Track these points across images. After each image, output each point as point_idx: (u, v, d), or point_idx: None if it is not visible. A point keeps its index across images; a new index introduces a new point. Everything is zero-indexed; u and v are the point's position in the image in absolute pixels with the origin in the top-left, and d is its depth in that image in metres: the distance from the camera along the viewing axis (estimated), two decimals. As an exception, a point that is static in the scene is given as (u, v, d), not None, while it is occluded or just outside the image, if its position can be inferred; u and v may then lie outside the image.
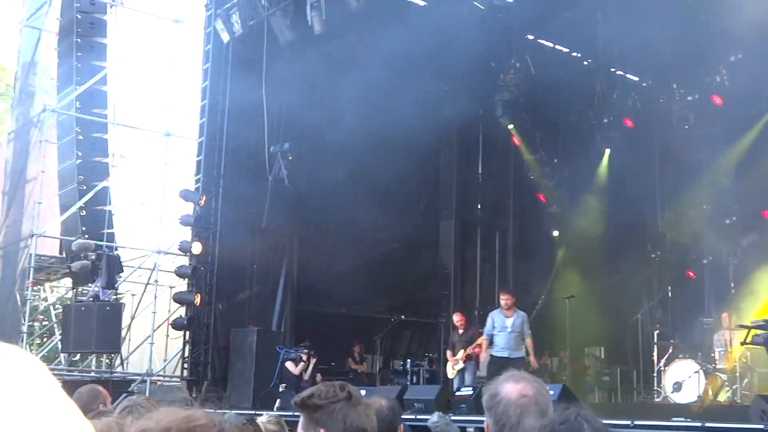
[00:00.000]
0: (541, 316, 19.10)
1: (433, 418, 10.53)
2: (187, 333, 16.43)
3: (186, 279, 16.65)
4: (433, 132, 19.19)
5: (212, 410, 1.60)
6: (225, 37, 16.79)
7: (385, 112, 16.18)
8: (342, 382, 2.97)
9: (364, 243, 17.21)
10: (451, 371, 15.09)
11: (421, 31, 15.78)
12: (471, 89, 19.17)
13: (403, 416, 11.44)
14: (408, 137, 17.28)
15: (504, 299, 13.64)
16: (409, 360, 17.76)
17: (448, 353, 15.24)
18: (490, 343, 13.71)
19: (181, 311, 16.88)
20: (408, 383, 16.21)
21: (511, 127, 19.86)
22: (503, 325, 13.51)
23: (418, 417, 11.43)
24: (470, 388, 13.00)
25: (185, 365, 16.33)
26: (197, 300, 15.95)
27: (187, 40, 19.72)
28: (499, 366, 13.29)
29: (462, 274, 19.68)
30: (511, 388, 2.93)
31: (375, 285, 17.82)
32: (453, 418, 10.89)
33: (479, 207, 20.31)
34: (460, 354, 14.86)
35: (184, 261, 16.98)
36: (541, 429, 2.42)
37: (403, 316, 17.69)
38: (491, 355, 13.65)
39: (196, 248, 16.22)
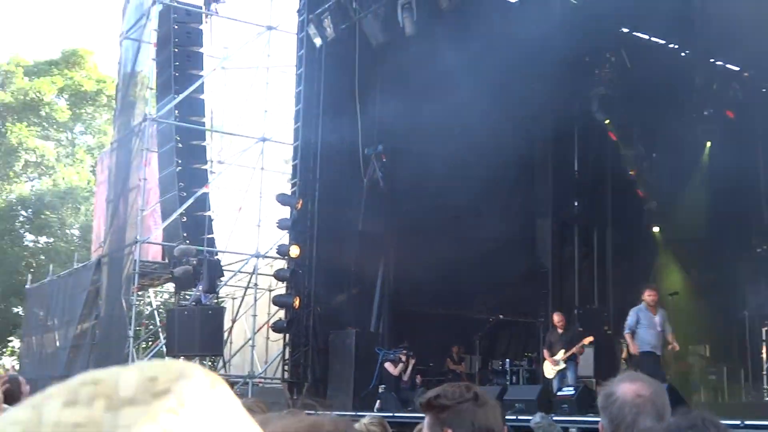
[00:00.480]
0: None
1: (536, 419, 10.41)
2: (287, 335, 16.62)
3: (285, 282, 16.83)
4: (528, 130, 19.00)
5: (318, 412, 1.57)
6: (317, 41, 16.94)
7: (478, 111, 16.10)
8: (468, 382, 2.95)
9: (460, 243, 17.10)
10: (549, 371, 14.89)
11: (513, 29, 15.65)
12: (565, 85, 18.89)
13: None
14: (502, 136, 17.16)
15: (650, 296, 13.23)
16: (508, 360, 17.58)
17: (545, 352, 15.05)
18: (632, 336, 13.27)
19: (281, 314, 17.05)
20: (507, 383, 16.13)
21: (607, 122, 19.52)
22: (650, 322, 13.10)
23: (519, 417, 11.33)
24: (572, 388, 12.91)
25: (286, 367, 16.50)
26: (296, 302, 16.12)
27: (280, 46, 20.00)
28: (651, 361, 13.05)
29: (560, 273, 19.40)
30: (626, 388, 2.86)
31: (472, 285, 17.72)
32: (554, 418, 10.69)
33: (576, 204, 19.97)
34: (560, 354, 14.63)
35: (283, 264, 17.12)
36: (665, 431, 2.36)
37: (501, 316, 17.52)
38: (640, 352, 13.25)
39: (294, 251, 16.38)
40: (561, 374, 14.69)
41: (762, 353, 16.17)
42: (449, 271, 17.01)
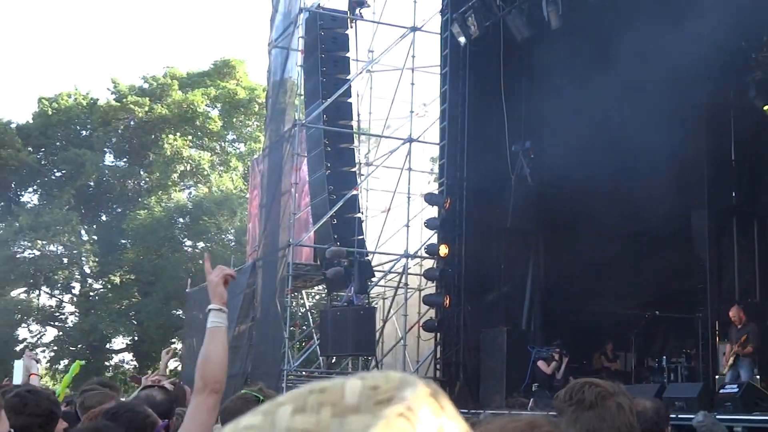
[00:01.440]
0: None
1: (699, 417, 10.17)
2: (438, 334, 16.73)
3: (434, 281, 16.95)
4: (680, 119, 18.41)
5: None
6: (462, 40, 17.04)
7: (627, 102, 15.80)
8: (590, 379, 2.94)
9: (611, 238, 16.78)
10: (724, 367, 14.67)
11: (662, 15, 15.22)
12: (720, 71, 18.21)
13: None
14: (652, 127, 16.72)
15: None
16: (664, 357, 17.19)
17: (728, 347, 14.73)
18: None
19: (431, 313, 17.20)
20: (665, 381, 15.77)
21: (766, 108, 18.65)
22: None
23: (680, 416, 11.08)
24: (735, 386, 12.58)
25: (437, 366, 16.63)
26: (446, 301, 16.23)
27: (424, 46, 20.21)
28: None
29: (718, 266, 18.66)
30: None
31: (625, 280, 17.37)
32: (718, 416, 10.52)
33: (734, 195, 19.19)
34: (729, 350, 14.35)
35: (432, 264, 17.29)
36: None
37: (657, 312, 17.05)
38: None
39: (443, 250, 16.52)
40: (733, 371, 14.36)
41: None
42: (601, 267, 16.81)
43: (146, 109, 36.87)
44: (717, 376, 15.26)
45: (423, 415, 0.74)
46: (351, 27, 20.01)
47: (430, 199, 17.27)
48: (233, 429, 0.75)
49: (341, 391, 0.76)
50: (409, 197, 18.67)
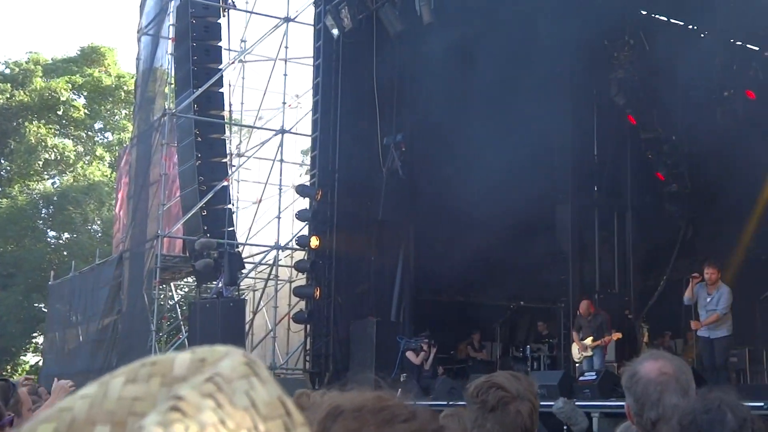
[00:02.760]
0: (664, 297, 18.81)
1: (558, 404, 10.54)
2: (308, 326, 16.78)
3: (305, 273, 16.98)
4: (547, 114, 19.00)
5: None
6: (335, 32, 17.09)
7: (497, 97, 16.18)
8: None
9: (480, 230, 17.07)
10: (577, 355, 15.02)
11: (532, 13, 15.63)
12: (584, 69, 18.91)
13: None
14: (521, 121, 17.20)
15: (707, 273, 12.71)
16: (528, 346, 17.70)
17: (574, 334, 15.17)
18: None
19: (302, 305, 17.23)
20: (528, 369, 16.22)
21: (626, 105, 19.48)
22: (704, 302, 12.70)
23: (542, 403, 11.41)
24: (593, 373, 12.98)
25: (307, 358, 16.67)
26: (317, 293, 16.29)
27: (298, 37, 20.17)
28: (701, 347, 12.94)
29: (580, 258, 19.42)
30: (650, 366, 2.90)
31: (492, 272, 17.76)
32: (577, 403, 10.87)
33: (596, 189, 19.94)
34: (589, 341, 14.77)
35: (303, 255, 17.33)
36: (683, 418, 2.39)
37: (521, 302, 17.57)
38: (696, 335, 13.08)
39: (314, 242, 16.56)
40: (588, 360, 14.81)
41: None
42: (469, 259, 17.06)
43: (7, 95, 35.52)
44: (577, 364, 15.63)
45: (232, 379, 0.79)
46: (223, 16, 19.78)
47: (301, 190, 17.28)
48: (71, 398, 0.80)
49: (171, 364, 0.82)
50: (280, 189, 18.63)
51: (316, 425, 1.34)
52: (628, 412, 2.95)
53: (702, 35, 19.20)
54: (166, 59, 19.68)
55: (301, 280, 17.60)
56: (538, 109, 17.68)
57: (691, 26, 19.23)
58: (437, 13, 15.63)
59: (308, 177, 18.02)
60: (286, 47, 19.54)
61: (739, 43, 19.34)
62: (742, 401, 2.35)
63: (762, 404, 9.08)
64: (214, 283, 16.88)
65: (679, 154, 19.91)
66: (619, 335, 14.80)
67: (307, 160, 18.24)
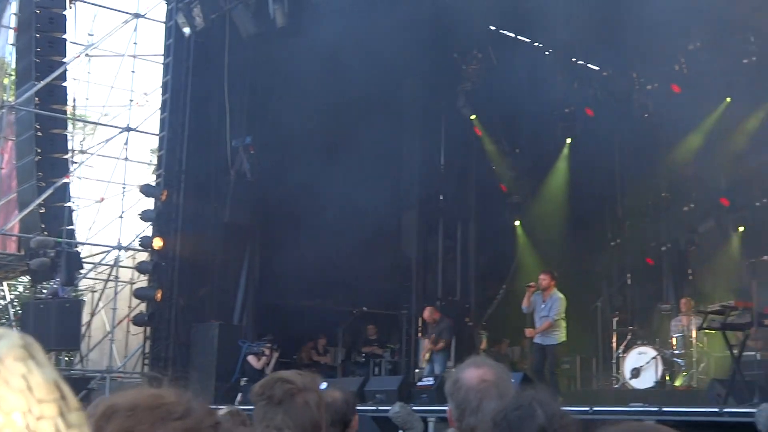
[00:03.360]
0: (503, 306, 19.26)
1: (395, 409, 10.66)
2: (148, 329, 16.44)
3: (147, 275, 16.66)
4: (396, 123, 19.28)
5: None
6: (186, 30, 16.81)
7: (347, 104, 16.30)
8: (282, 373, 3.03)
9: (326, 235, 17.16)
10: (423, 361, 15.50)
11: (382, 22, 15.77)
12: (433, 80, 19.28)
13: (364, 407, 11.65)
14: (370, 128, 17.35)
15: (540, 279, 13.11)
16: (365, 352, 18.01)
17: (425, 342, 15.58)
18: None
19: (142, 307, 16.86)
20: (370, 374, 16.40)
21: (473, 117, 19.99)
22: (538, 308, 13.01)
23: (380, 408, 11.49)
24: (431, 379, 13.17)
25: (146, 361, 16.33)
26: (158, 295, 15.97)
27: (148, 34, 19.73)
28: (534, 354, 13.12)
29: (424, 265, 19.75)
30: (471, 373, 2.97)
31: (337, 277, 17.82)
32: (414, 408, 11.00)
33: (441, 197, 20.30)
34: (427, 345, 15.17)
35: (146, 257, 16.96)
36: (495, 415, 2.42)
37: (365, 308, 17.64)
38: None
39: (158, 243, 16.23)
40: (430, 364, 15.15)
41: (612, 342, 16.95)
42: (315, 264, 17.13)
43: None
44: (417, 370, 16.14)
45: (7, 362, 0.81)
46: (70, 8, 19.04)
47: (146, 190, 16.91)
48: None
49: None
50: (124, 188, 18.13)
51: (92, 425, 1.33)
52: (450, 417, 3.04)
53: (546, 53, 19.79)
54: (7, 49, 18.86)
55: (142, 281, 17.18)
56: (387, 117, 17.91)
57: (536, 44, 19.81)
58: (291, 17, 15.56)
59: (154, 177, 17.52)
60: (135, 43, 19.07)
61: (581, 62, 20.08)
62: (555, 400, 2.44)
63: (587, 409, 9.44)
64: (50, 282, 16.21)
65: (522, 166, 20.51)
66: (441, 345, 15.12)
67: (155, 159, 17.76)
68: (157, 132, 17.84)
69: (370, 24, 15.61)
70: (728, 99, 18.52)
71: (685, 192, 19.86)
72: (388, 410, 10.80)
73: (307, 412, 2.85)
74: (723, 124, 18.66)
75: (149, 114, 18.93)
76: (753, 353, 10.24)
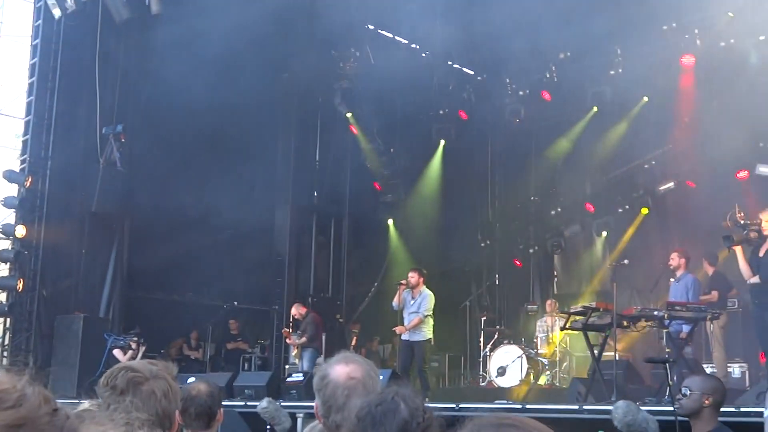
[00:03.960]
0: (375, 304, 19.42)
1: (263, 404, 10.65)
2: (8, 320, 15.89)
3: (8, 264, 16.07)
4: (272, 118, 19.18)
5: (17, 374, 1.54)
6: (56, 12, 16.19)
7: (222, 97, 16.02)
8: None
9: (198, 229, 16.99)
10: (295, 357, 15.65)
11: (261, 17, 15.60)
12: (311, 77, 19.21)
13: (233, 403, 11.56)
14: (246, 123, 17.20)
15: (409, 277, 13.17)
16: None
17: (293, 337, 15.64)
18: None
19: (2, 297, 16.28)
20: (239, 370, 16.28)
21: (349, 115, 20.04)
22: (408, 305, 13.07)
23: (248, 403, 11.51)
24: (301, 375, 13.25)
25: (5, 353, 15.73)
26: (20, 285, 15.42)
27: (15, 14, 18.96)
28: (402, 351, 13.17)
29: (297, 262, 19.67)
30: (340, 370, 2.98)
31: (208, 271, 17.66)
32: (283, 404, 11.06)
33: (315, 194, 20.31)
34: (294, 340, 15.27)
35: (7, 245, 16.30)
36: (359, 411, 2.43)
37: (235, 303, 17.50)
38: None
39: (20, 231, 15.67)
40: (300, 360, 15.42)
41: (480, 341, 17.34)
42: (185, 257, 16.90)
43: None
44: (287, 366, 16.25)
45: None
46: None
47: (9, 176, 16.22)
48: None
49: None
50: (-14, 173, 17.31)
51: None
52: (317, 412, 3.03)
53: (423, 54, 19.99)
54: None
55: (3, 271, 16.59)
56: (262, 112, 17.75)
57: (414, 45, 19.96)
58: (166, 5, 15.23)
59: (19, 162, 16.82)
60: (1, 23, 18.33)
61: (457, 66, 20.40)
62: (418, 395, 2.45)
63: (454, 406, 9.64)
64: None
65: (396, 166, 20.73)
66: (304, 340, 15.34)
67: (19, 144, 17.07)
68: (23, 116, 17.11)
69: (248, 17, 15.42)
70: (595, 108, 19.03)
71: (553, 197, 20.43)
72: (256, 406, 10.78)
73: (154, 401, 2.80)
74: (590, 132, 19.25)
75: (15, 97, 18.18)
76: (612, 353, 10.67)
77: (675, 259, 12.11)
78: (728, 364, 12.84)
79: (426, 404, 2.44)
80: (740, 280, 11.22)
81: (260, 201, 18.43)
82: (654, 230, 18.40)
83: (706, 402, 5.33)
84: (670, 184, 18.10)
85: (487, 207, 21.56)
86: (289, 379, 13.28)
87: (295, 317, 15.88)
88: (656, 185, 18.39)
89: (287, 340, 16.21)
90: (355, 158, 20.59)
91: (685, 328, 11.03)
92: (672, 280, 12.23)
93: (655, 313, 10.45)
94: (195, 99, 15.63)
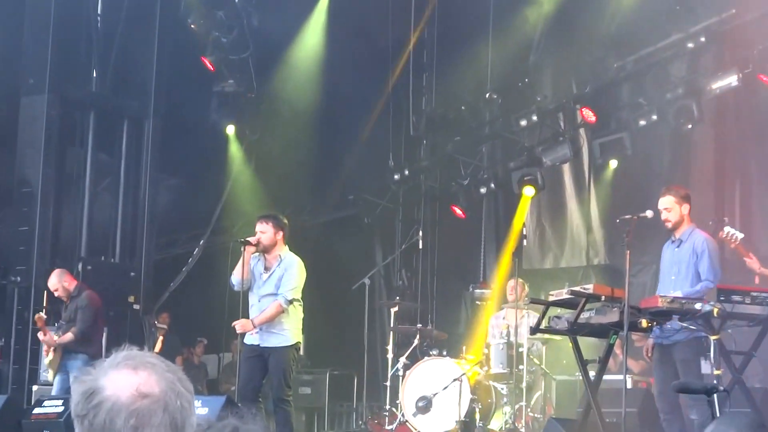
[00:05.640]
0: (198, 278, 19.27)
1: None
2: None
3: None
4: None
5: None
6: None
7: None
8: None
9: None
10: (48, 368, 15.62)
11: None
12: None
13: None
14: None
15: (259, 230, 12.45)
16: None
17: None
18: None
19: None
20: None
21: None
22: (256, 282, 12.40)
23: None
24: (60, 401, 13.02)
25: None
26: None
27: None
28: (244, 363, 12.95)
29: (57, 197, 18.07)
30: (121, 381, 2.66)
31: None
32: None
33: (95, 75, 18.53)
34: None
35: None
36: None
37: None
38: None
39: None
40: (62, 376, 15.06)
41: (388, 349, 16.46)
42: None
43: None
44: (35, 386, 16.41)
45: None
46: None
47: None
48: None
49: None
50: None
51: None
52: None
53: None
54: None
55: None
56: None
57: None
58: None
59: None
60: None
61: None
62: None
63: None
64: None
65: (243, 27, 19.54)
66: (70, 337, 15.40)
67: None
68: None
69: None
70: None
71: (524, 94, 19.09)
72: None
73: None
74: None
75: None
76: (620, 377, 10.55)
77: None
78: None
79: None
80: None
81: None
82: (703, 154, 17.92)
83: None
84: (732, 79, 17.02)
85: (407, 108, 20.55)
86: (37, 411, 13.13)
87: (56, 294, 15.54)
88: (706, 79, 17.49)
89: (40, 337, 15.62)
90: (169, 13, 19.47)
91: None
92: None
93: (697, 306, 10.06)
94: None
